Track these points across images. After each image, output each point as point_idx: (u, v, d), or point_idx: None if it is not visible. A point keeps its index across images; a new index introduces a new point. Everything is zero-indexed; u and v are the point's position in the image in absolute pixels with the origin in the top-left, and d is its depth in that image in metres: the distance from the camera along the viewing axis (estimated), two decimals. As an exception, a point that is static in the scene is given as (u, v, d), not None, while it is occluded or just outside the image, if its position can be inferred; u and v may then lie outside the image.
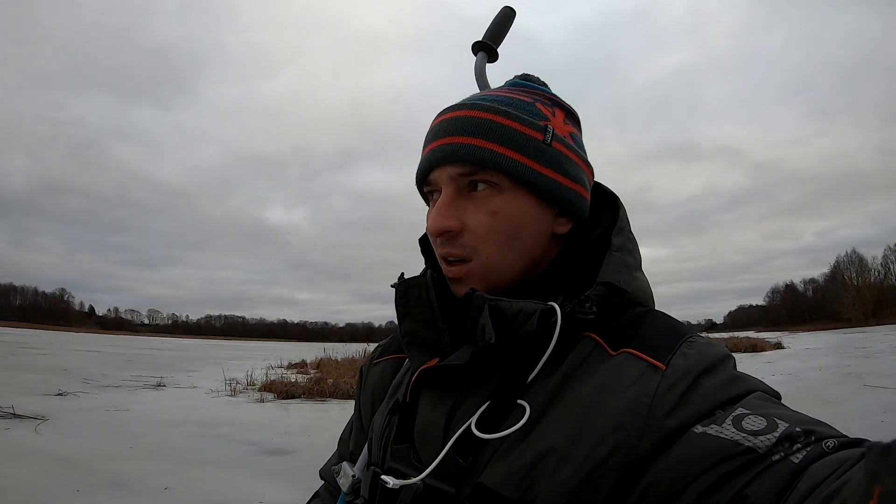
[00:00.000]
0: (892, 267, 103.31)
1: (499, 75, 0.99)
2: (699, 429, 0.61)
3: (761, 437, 0.57)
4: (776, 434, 0.57)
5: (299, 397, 14.15)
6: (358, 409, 1.02)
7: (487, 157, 0.76)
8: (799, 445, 0.55)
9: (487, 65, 1.09)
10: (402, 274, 0.88)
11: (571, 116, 0.88)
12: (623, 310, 0.78)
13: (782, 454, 0.55)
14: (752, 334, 60.68)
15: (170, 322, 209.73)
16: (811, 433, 0.56)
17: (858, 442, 0.55)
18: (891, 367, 15.17)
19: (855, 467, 0.49)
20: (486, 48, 1.09)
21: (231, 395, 14.07)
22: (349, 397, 13.54)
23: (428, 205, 0.87)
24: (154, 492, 5.53)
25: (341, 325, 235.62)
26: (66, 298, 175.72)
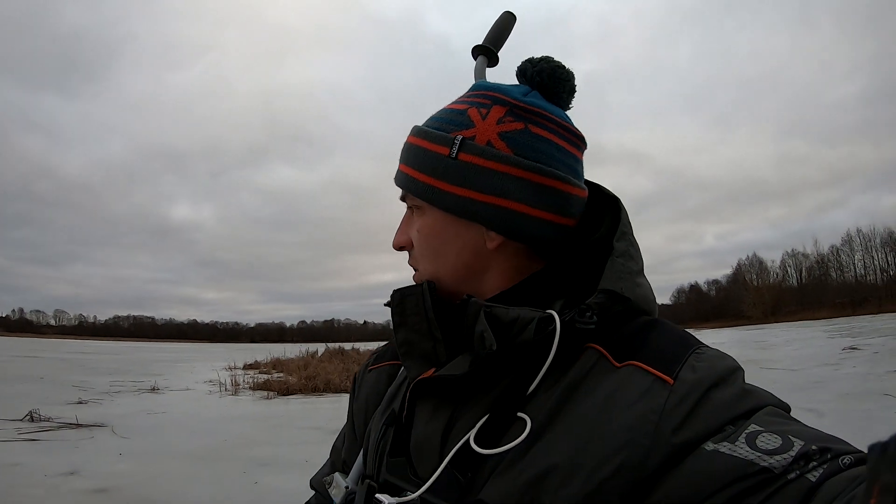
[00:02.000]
0: (789, 270, 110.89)
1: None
2: (710, 446, 0.59)
3: (777, 457, 0.55)
4: (792, 453, 0.55)
5: (295, 394, 15.03)
6: (351, 417, 0.99)
7: (406, 183, 0.82)
8: (815, 463, 0.54)
9: (487, 69, 1.07)
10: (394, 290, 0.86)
11: (519, 110, 0.80)
12: (626, 318, 0.75)
13: (798, 472, 0.54)
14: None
15: (76, 323, 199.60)
16: (827, 451, 0.55)
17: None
18: (781, 356, 18.84)
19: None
20: (486, 52, 1.08)
21: (233, 395, 14.93)
22: (342, 391, 14.88)
23: None
24: (301, 465, 6.37)
25: (252, 324, 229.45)
26: None
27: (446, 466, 0.69)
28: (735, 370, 0.67)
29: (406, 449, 0.77)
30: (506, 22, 1.13)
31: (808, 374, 13.36)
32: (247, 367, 24.92)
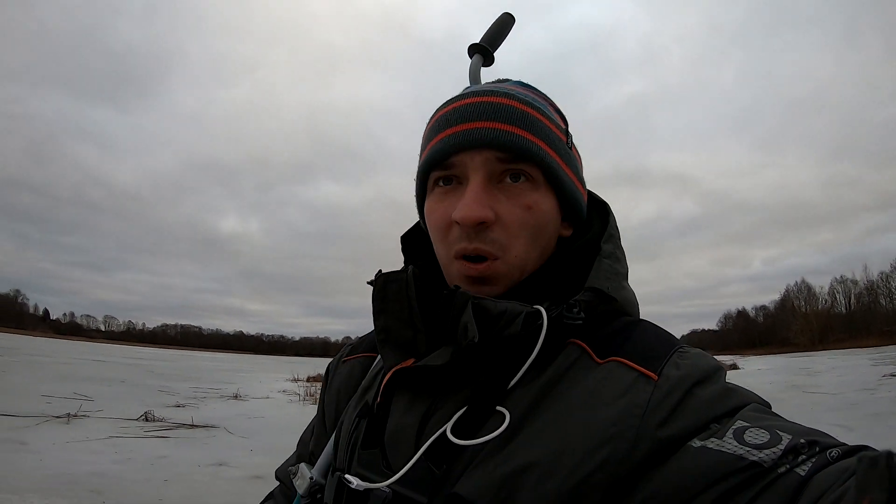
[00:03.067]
0: (837, 296, 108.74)
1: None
2: (697, 443, 0.58)
3: (766, 451, 0.55)
4: (781, 447, 0.55)
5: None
6: (321, 409, 0.97)
7: (532, 149, 0.74)
8: (804, 456, 0.54)
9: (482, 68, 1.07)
10: (380, 270, 0.83)
11: (566, 124, 0.85)
12: (610, 318, 0.75)
13: (788, 466, 0.54)
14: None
15: (124, 329, 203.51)
16: (815, 443, 0.55)
17: (862, 449, 0.55)
18: (825, 381, 19.19)
19: (853, 478, 0.48)
20: (482, 51, 1.08)
21: (313, 404, 15.10)
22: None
23: (423, 194, 0.83)
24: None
25: (296, 338, 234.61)
26: (20, 300, 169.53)
27: (420, 458, 0.66)
28: (718, 369, 0.67)
29: (379, 441, 0.74)
30: (504, 23, 1.13)
31: (845, 397, 13.94)
32: (310, 378, 25.54)
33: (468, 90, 0.80)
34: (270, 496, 1.07)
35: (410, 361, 0.75)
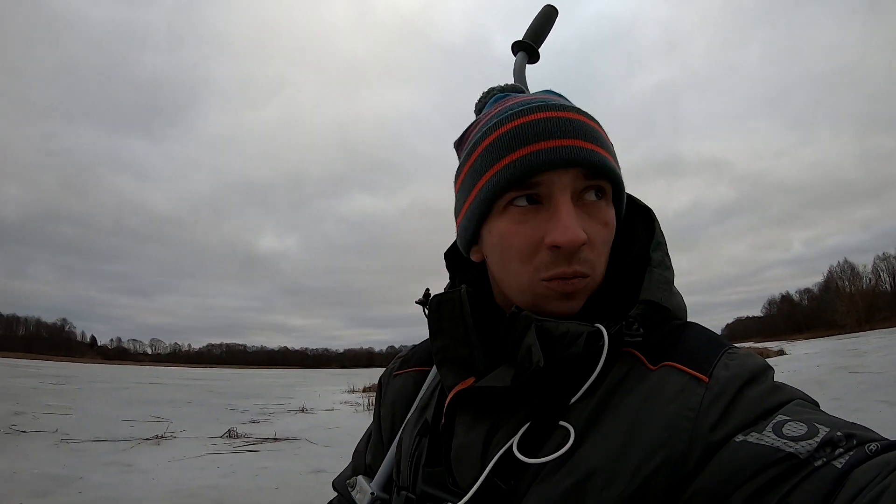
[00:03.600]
0: (881, 274, 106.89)
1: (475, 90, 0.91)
2: (739, 438, 0.59)
3: (802, 443, 0.55)
4: (817, 439, 0.54)
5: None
6: (378, 421, 0.98)
7: (610, 166, 0.73)
8: (841, 450, 0.53)
9: (519, 67, 1.04)
10: (428, 290, 0.85)
11: None
12: (661, 324, 0.75)
13: (825, 459, 0.53)
14: (752, 345, 63.62)
15: (171, 351, 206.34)
16: (853, 437, 0.54)
17: None
18: (871, 362, 19.56)
19: (894, 472, 0.48)
20: (527, 48, 1.04)
21: None
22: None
23: (481, 221, 0.78)
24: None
25: (340, 350, 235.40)
26: (67, 329, 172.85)
27: (488, 475, 0.68)
28: (766, 368, 0.67)
29: (443, 459, 0.75)
30: (548, 16, 1.08)
31: (891, 375, 14.42)
32: (366, 389, 25.97)
33: (528, 103, 0.76)
34: None
35: (471, 381, 0.75)
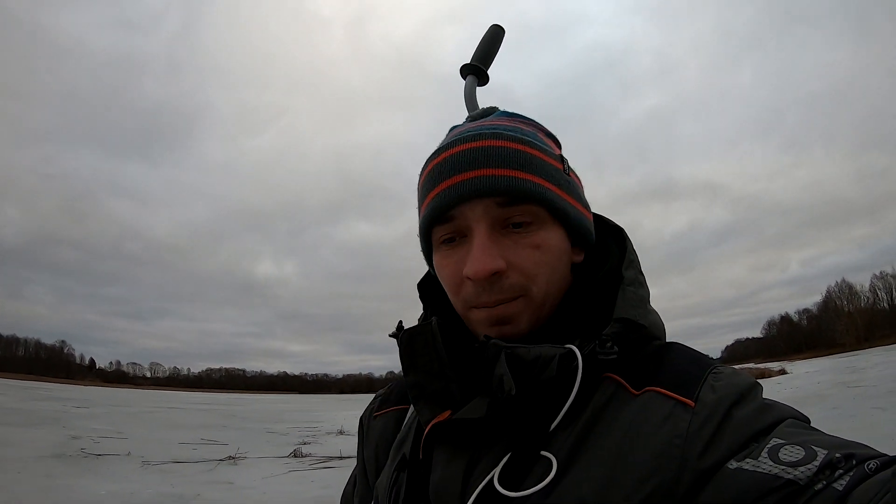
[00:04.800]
0: (879, 292, 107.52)
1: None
2: (734, 464, 0.57)
3: (801, 468, 0.53)
4: (816, 463, 0.53)
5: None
6: (362, 464, 0.95)
7: (531, 189, 0.72)
8: (841, 471, 0.52)
9: (477, 89, 1.03)
10: (401, 322, 0.82)
11: (559, 146, 0.84)
12: (640, 345, 0.74)
13: (825, 483, 0.52)
14: (752, 366, 64.96)
15: (170, 375, 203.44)
16: (852, 457, 0.53)
17: None
18: (869, 377, 20.80)
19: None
20: (476, 71, 1.04)
21: None
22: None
23: (430, 251, 0.80)
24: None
25: (340, 375, 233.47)
26: (66, 351, 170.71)
27: None
28: (754, 385, 0.66)
29: (422, 495, 0.73)
30: (495, 36, 1.08)
31: (885, 387, 15.52)
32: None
33: (453, 136, 0.77)
34: None
35: (446, 414, 0.73)
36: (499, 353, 0.69)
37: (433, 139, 0.84)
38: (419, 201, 0.80)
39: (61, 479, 8.81)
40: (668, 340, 0.80)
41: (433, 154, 0.78)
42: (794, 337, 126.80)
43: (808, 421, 0.65)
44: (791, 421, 0.62)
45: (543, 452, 0.66)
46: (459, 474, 0.70)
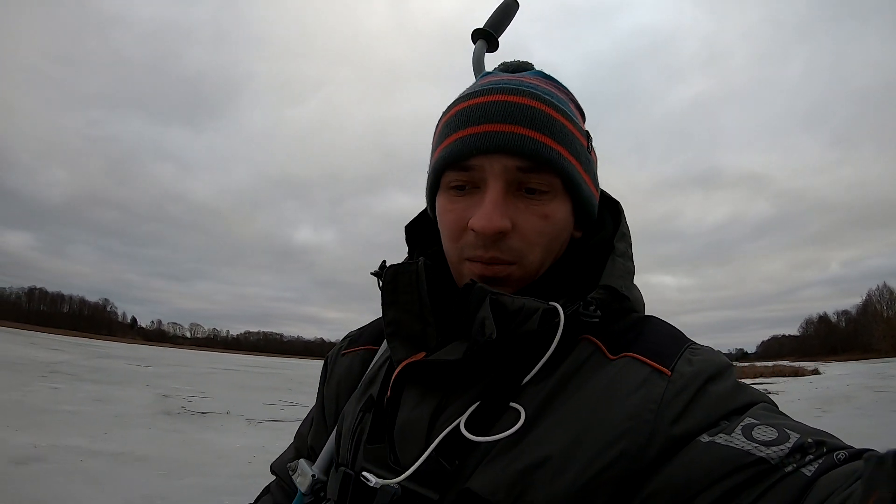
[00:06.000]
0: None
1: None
2: (706, 438, 0.58)
3: (773, 448, 0.55)
4: (788, 445, 0.55)
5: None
6: (321, 402, 0.96)
7: (554, 158, 0.71)
8: (811, 457, 0.54)
9: (486, 54, 1.06)
10: (384, 261, 0.82)
11: (584, 120, 0.82)
12: (621, 315, 0.75)
13: (794, 465, 0.53)
14: (785, 363, 65.33)
15: (211, 336, 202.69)
16: (822, 444, 0.55)
17: (868, 451, 0.53)
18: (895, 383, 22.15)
19: (859, 480, 0.46)
20: (486, 36, 1.07)
21: None
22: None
23: (435, 187, 0.80)
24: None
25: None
26: (108, 309, 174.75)
27: (432, 453, 0.65)
28: (729, 366, 0.67)
29: (386, 435, 0.73)
30: (509, 8, 1.10)
31: (910, 394, 16.92)
32: None
33: (489, 84, 0.76)
34: (267, 490, 1.05)
35: (421, 355, 0.74)
36: (484, 297, 0.69)
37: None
38: (439, 136, 0.78)
39: (188, 434, 9.53)
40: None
41: (466, 94, 0.77)
42: (831, 338, 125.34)
43: (776, 406, 0.66)
44: (764, 405, 0.64)
45: (513, 404, 0.66)
46: (427, 416, 0.70)
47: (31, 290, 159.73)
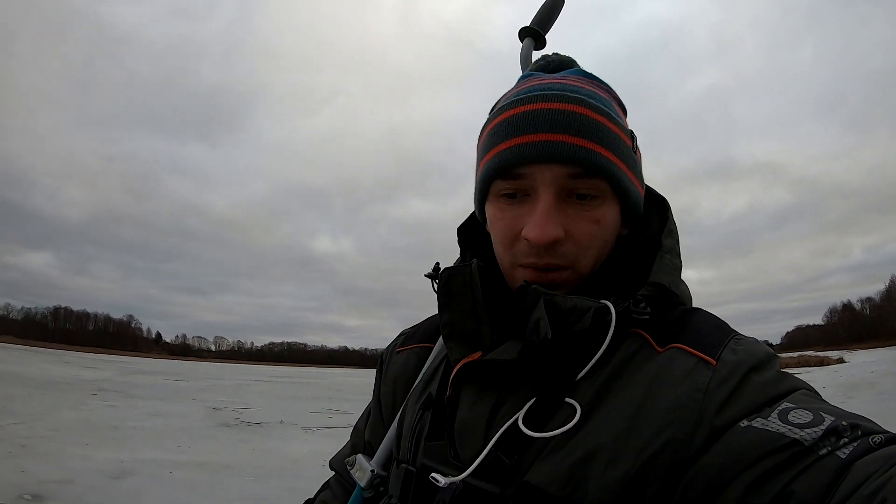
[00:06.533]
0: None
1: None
2: (744, 423, 0.59)
3: (808, 430, 0.55)
4: (822, 427, 0.55)
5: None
6: (378, 398, 0.98)
7: (604, 165, 0.72)
8: (846, 440, 0.54)
9: (534, 52, 1.05)
10: (438, 263, 0.84)
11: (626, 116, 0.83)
12: (669, 310, 0.76)
13: (829, 448, 0.53)
14: (812, 353, 65.32)
15: (235, 348, 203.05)
16: (857, 427, 0.55)
17: None
18: None
19: None
20: (534, 34, 1.05)
21: None
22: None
23: (484, 193, 0.80)
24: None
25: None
26: (133, 325, 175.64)
27: (491, 449, 0.67)
28: (773, 356, 0.68)
29: (446, 433, 0.75)
30: (555, 4, 1.09)
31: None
32: None
33: (534, 89, 0.75)
34: (326, 486, 1.06)
35: (478, 355, 0.75)
36: (538, 298, 0.71)
37: (486, 114, 0.84)
38: (486, 144, 0.79)
39: (255, 443, 9.78)
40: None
41: (511, 102, 0.77)
42: (856, 326, 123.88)
43: (820, 396, 0.65)
44: (805, 391, 0.64)
45: (568, 399, 0.68)
46: (485, 413, 0.72)
47: (57, 309, 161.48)
